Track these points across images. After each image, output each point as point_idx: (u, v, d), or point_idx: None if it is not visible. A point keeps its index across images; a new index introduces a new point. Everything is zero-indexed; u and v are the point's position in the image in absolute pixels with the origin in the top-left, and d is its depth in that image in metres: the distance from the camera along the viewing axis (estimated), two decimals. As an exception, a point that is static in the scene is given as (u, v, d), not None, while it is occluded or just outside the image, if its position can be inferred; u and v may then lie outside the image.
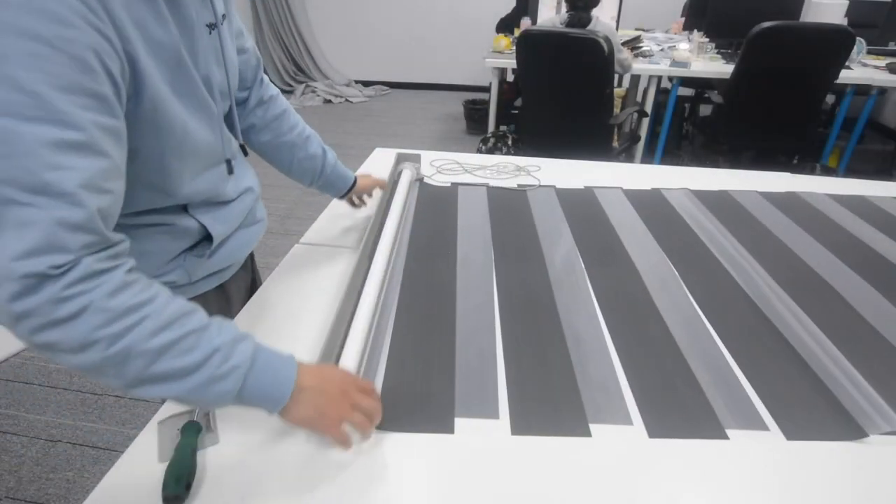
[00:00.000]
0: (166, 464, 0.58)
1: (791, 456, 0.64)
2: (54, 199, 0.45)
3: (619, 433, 0.66)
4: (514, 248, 1.07)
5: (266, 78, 0.93)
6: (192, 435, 0.61)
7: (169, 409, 0.67)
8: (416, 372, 0.75)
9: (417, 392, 0.71)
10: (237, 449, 0.63)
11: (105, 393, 1.75)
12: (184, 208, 0.71)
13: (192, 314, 0.54)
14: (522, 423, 0.67)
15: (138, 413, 1.68)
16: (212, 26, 0.66)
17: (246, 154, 0.85)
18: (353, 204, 1.15)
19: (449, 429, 0.66)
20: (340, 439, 0.60)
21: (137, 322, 0.49)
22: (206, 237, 0.75)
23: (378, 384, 0.72)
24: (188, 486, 0.56)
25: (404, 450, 0.63)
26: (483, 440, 0.65)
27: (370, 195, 1.17)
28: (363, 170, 1.31)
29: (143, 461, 0.61)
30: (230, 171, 0.76)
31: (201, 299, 0.79)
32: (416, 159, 1.39)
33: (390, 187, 1.25)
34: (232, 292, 0.87)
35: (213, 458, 0.61)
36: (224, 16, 0.70)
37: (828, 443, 0.66)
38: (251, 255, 0.98)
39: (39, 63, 0.44)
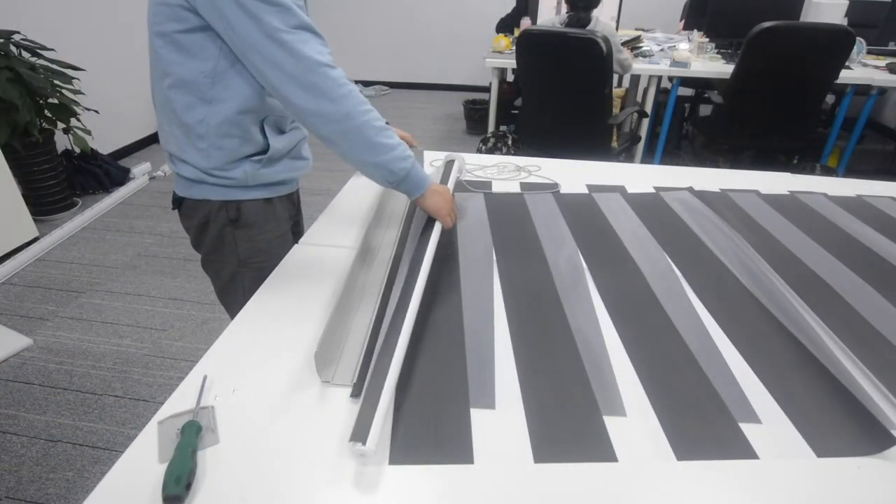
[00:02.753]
0: (166, 464, 0.58)
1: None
2: (309, 31, 0.84)
3: (647, 457, 0.64)
4: (515, 257, 1.05)
5: None
6: (192, 435, 0.61)
7: (169, 409, 0.67)
8: (428, 399, 0.70)
9: (431, 421, 0.67)
10: (237, 449, 0.63)
11: (105, 393, 1.75)
12: (261, 124, 0.97)
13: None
14: (545, 451, 0.64)
15: (138, 413, 1.69)
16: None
17: None
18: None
19: (468, 459, 0.63)
20: (447, 222, 1.02)
21: (370, 109, 0.89)
22: (266, 149, 0.99)
23: (386, 412, 0.66)
24: (188, 486, 0.56)
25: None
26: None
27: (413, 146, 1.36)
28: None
29: (143, 461, 0.61)
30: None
31: (253, 205, 1.03)
32: (419, 155, 1.39)
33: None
34: (279, 211, 1.09)
35: (213, 458, 0.61)
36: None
37: (860, 458, 0.64)
38: (298, 195, 1.22)
39: None
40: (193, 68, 0.88)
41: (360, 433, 0.60)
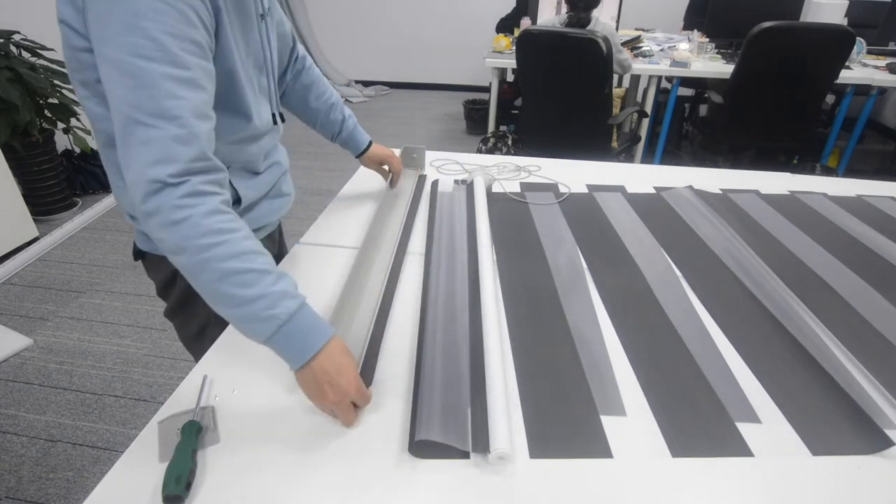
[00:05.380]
0: (166, 464, 0.58)
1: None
2: (169, 121, 0.59)
3: (642, 454, 0.64)
4: (516, 256, 1.04)
5: (301, 50, 1.06)
6: (192, 435, 0.61)
7: (169, 409, 0.67)
8: (428, 396, 0.70)
9: (431, 417, 0.66)
10: (237, 449, 0.63)
11: (105, 393, 1.75)
12: None
13: (260, 255, 0.63)
14: (541, 446, 0.64)
15: (138, 413, 1.68)
16: (261, 16, 0.80)
17: (283, 120, 0.94)
18: (382, 172, 1.26)
19: (464, 453, 0.63)
20: (338, 416, 0.66)
21: (218, 244, 0.60)
22: (237, 200, 0.85)
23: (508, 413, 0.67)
24: (188, 486, 0.56)
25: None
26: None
27: (395, 169, 1.25)
28: (363, 168, 1.31)
29: (143, 461, 0.61)
30: (260, 146, 0.88)
31: None
32: (420, 153, 1.40)
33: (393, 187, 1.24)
34: None
35: (213, 458, 0.61)
36: (269, 9, 0.84)
37: (855, 457, 0.64)
38: (279, 230, 1.10)
39: (160, 17, 0.58)
40: None
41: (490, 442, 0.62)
